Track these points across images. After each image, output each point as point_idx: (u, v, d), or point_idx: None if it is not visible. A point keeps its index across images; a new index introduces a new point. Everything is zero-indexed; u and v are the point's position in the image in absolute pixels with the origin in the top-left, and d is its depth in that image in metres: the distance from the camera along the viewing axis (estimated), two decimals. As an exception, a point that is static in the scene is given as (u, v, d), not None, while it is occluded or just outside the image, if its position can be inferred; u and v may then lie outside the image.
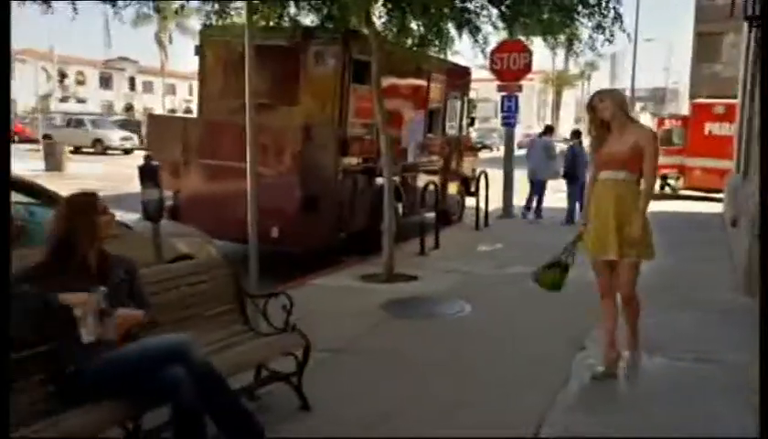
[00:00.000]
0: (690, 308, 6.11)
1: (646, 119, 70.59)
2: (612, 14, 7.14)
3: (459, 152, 11.96)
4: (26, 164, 18.81)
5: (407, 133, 9.68)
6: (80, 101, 56.88)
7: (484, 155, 16.64)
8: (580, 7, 7.12)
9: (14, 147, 25.89)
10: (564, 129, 49.21)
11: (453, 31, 7.81)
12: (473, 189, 11.79)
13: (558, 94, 63.86)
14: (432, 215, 9.64)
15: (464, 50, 10.30)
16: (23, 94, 52.04)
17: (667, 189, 17.66)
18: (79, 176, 18.44)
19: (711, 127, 17.07)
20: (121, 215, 5.14)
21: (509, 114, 12.57)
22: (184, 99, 63.33)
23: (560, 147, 17.49)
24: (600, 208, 4.29)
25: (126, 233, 4.63)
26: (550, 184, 12.67)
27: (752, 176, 6.90)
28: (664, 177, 17.66)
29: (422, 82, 10.09)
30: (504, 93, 12.40)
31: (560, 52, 11.14)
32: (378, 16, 7.50)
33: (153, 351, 2.86)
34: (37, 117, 35.76)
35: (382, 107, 7.29)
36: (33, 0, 5.34)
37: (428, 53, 8.33)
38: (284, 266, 7.35)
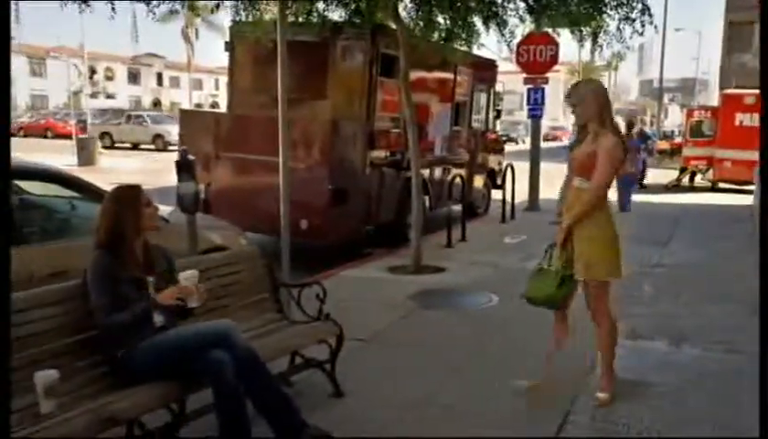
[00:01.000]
0: (720, 301, 6.11)
1: (675, 110, 69.51)
2: (639, 5, 7.12)
3: (485, 145, 11.99)
4: (59, 159, 19.19)
5: (433, 126, 9.74)
6: (110, 96, 57.76)
7: (509, 147, 16.60)
8: (607, -1, 7.12)
9: (48, 143, 26.43)
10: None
11: (479, 24, 7.86)
12: (499, 182, 11.83)
13: (584, 86, 63.09)
14: (458, 208, 9.70)
15: (489, 43, 10.34)
16: (56, 91, 53.16)
17: (696, 181, 17.48)
18: (112, 170, 18.78)
19: (742, 118, 16.82)
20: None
21: (536, 107, 12.56)
22: (210, 93, 63.98)
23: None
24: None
25: (163, 225, 4.79)
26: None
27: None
28: (685, 169, 17.55)
29: (449, 76, 10.14)
30: (530, 86, 12.39)
31: (587, 43, 11.04)
32: (405, 11, 7.58)
33: (197, 336, 3.00)
34: (70, 113, 36.42)
35: (410, 100, 7.36)
36: (73, 0, 5.49)
37: (454, 46, 8.38)
38: (313, 258, 7.48)
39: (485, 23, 7.73)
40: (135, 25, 55.51)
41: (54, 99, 53.69)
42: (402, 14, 7.41)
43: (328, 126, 7.61)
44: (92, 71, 56.70)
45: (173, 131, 29.28)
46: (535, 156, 12.98)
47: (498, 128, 14.17)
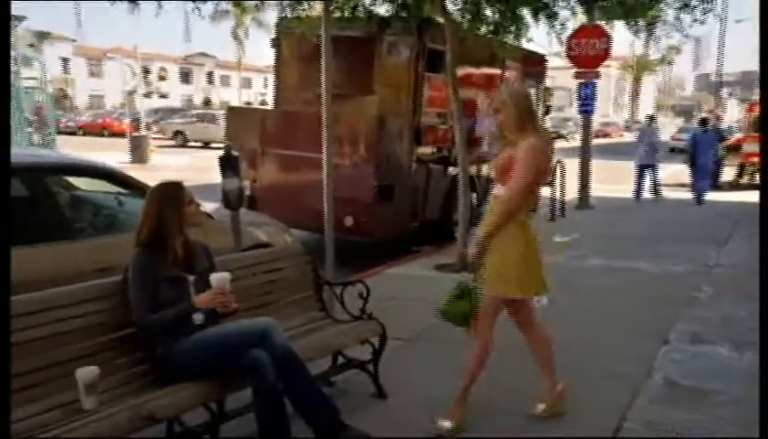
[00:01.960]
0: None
1: (733, 105, 67.19)
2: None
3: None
4: (112, 156, 19.66)
5: (481, 122, 9.57)
6: (163, 95, 59.12)
7: (558, 144, 16.28)
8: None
9: (104, 141, 27.06)
10: (643, 117, 47.46)
11: (528, 17, 7.66)
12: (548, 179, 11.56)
13: (636, 81, 61.65)
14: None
15: (539, 37, 10.08)
16: (112, 91, 54.73)
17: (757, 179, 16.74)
18: (162, 167, 19.15)
19: (806, 112, 16.03)
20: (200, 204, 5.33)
21: (587, 102, 12.24)
22: (259, 92, 64.81)
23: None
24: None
25: (207, 222, 4.79)
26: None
27: None
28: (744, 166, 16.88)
29: (497, 70, 9.94)
30: (581, 80, 12.07)
31: (641, 35, 10.69)
32: (453, 4, 7.44)
33: (237, 334, 2.95)
34: (125, 112, 37.32)
35: (457, 96, 7.22)
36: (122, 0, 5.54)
37: (502, 40, 8.19)
38: (358, 255, 7.42)
39: (535, 15, 7.53)
40: (188, 25, 56.69)
41: (110, 98, 55.24)
42: (450, 7, 7.28)
43: (374, 122, 7.54)
44: (146, 71, 58.10)
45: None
46: (585, 153, 12.65)
47: (548, 124, 13.89)
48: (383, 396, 3.86)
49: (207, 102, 60.58)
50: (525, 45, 9.42)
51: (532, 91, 11.37)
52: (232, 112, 9.72)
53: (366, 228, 7.41)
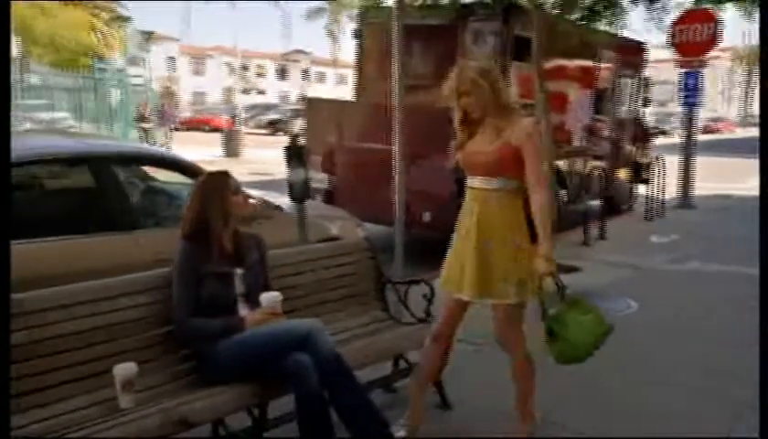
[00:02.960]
0: None
1: None
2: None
3: (630, 135, 11.02)
4: (207, 150, 20.26)
5: (571, 114, 9.04)
6: (260, 92, 60.79)
7: (661, 141, 15.33)
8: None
9: (204, 136, 28.07)
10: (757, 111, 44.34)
11: (625, 1, 7.12)
12: (645, 176, 10.81)
13: (749, 73, 57.71)
14: (598, 203, 8.94)
15: (636, 23, 9.43)
16: (212, 88, 56.90)
17: None
18: (252, 161, 19.53)
19: None
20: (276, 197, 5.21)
21: (690, 93, 11.35)
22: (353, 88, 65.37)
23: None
24: (462, 226, 3.10)
25: (278, 215, 4.66)
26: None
27: None
28: None
29: (590, 59, 9.35)
30: (685, 70, 11.20)
31: (754, 20, 9.74)
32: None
33: (279, 336, 2.74)
34: (223, 108, 38.63)
35: (543, 86, 6.80)
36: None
37: (596, 27, 7.67)
38: (438, 253, 7.12)
39: (633, -1, 6.99)
40: (286, 23, 58.04)
41: (211, 95, 57.39)
42: (539, -9, 6.86)
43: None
44: (244, 68, 60.01)
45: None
46: (688, 148, 11.75)
47: (647, 118, 13.05)
48: (447, 407, 3.57)
49: (303, 99, 61.76)
50: (623, 33, 8.83)
51: (629, 81, 10.69)
52: (311, 103, 9.63)
53: (444, 223, 7.02)
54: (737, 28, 56.38)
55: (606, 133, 10.13)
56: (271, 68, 65.92)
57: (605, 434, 3.36)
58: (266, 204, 4.70)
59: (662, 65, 20.47)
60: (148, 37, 33.52)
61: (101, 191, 4.06)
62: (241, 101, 40.04)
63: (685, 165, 11.62)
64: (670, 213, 10.57)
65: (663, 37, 10.61)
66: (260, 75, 63.79)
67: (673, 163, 10.85)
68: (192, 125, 38.57)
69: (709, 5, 10.02)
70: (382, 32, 7.91)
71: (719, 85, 61.80)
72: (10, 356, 2.15)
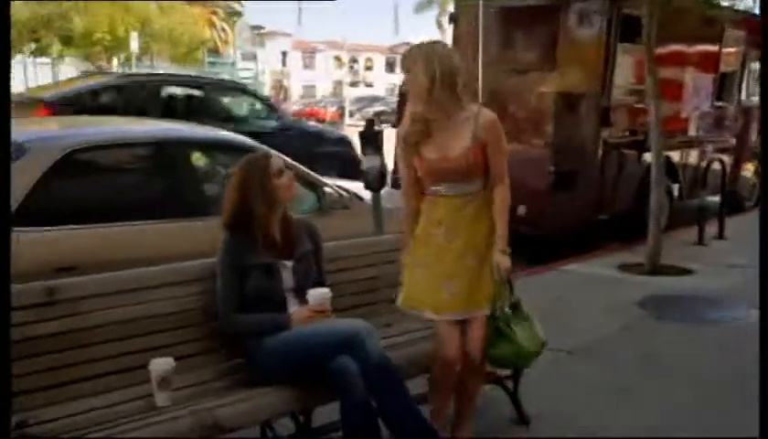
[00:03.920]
0: None
1: None
2: None
3: (759, 124, 9.95)
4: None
5: (688, 100, 8.23)
6: (368, 85, 61.37)
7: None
8: None
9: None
10: None
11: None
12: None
13: None
14: (716, 198, 8.10)
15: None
16: (322, 81, 58.02)
17: None
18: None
19: None
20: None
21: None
22: (461, 80, 64.60)
23: None
24: (427, 239, 2.70)
25: (357, 205, 4.44)
26: None
27: None
28: None
29: (711, 40, 8.47)
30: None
31: None
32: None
33: (323, 337, 2.47)
34: (331, 100, 39.25)
35: (653, 70, 6.17)
36: None
37: (719, 2, 6.89)
38: (536, 248, 6.68)
39: (762, -33, 6.18)
40: (396, 16, 58.27)
41: (320, 88, 58.56)
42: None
43: (553, 100, 6.70)
44: (353, 62, 60.77)
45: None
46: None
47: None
48: (524, 421, 3.19)
49: (400, 87, 61.79)
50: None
51: (757, 65, 9.64)
52: (403, 93, 9.30)
53: (539, 218, 6.61)
54: None
55: (729, 122, 9.19)
56: (379, 61, 66.37)
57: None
58: (347, 193, 4.48)
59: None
60: (258, 31, 34.59)
61: (172, 177, 3.99)
62: (350, 93, 40.51)
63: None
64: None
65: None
66: (368, 68, 64.38)
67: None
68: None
69: None
70: (476, 15, 7.53)
71: None
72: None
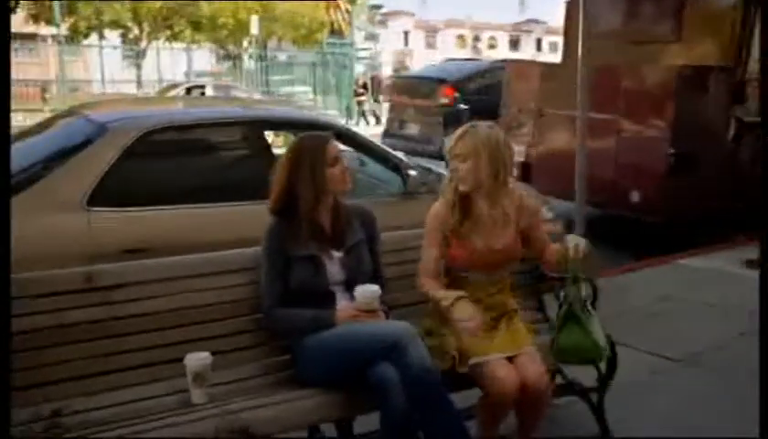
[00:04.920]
0: None
1: None
2: None
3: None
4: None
5: None
6: (492, 63, 60.25)
7: None
8: None
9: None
10: None
11: None
12: None
13: None
14: None
15: None
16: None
17: None
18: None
19: None
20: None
21: None
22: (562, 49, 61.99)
23: None
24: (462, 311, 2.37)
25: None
26: None
27: None
28: None
29: None
30: None
31: None
32: None
33: (363, 341, 2.22)
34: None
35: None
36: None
37: None
38: (650, 238, 6.10)
39: None
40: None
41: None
42: None
43: (674, 74, 6.02)
44: (476, 40, 59.65)
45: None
46: None
47: None
48: (605, 437, 2.81)
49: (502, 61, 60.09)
50: None
51: None
52: (512, 65, 8.77)
53: (655, 205, 6.00)
54: None
55: None
56: (503, 39, 64.72)
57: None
58: (437, 177, 4.20)
59: None
60: (376, 12, 34.72)
61: (248, 158, 3.90)
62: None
63: None
64: None
65: None
66: (491, 47, 62.93)
67: None
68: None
69: None
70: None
71: None
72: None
